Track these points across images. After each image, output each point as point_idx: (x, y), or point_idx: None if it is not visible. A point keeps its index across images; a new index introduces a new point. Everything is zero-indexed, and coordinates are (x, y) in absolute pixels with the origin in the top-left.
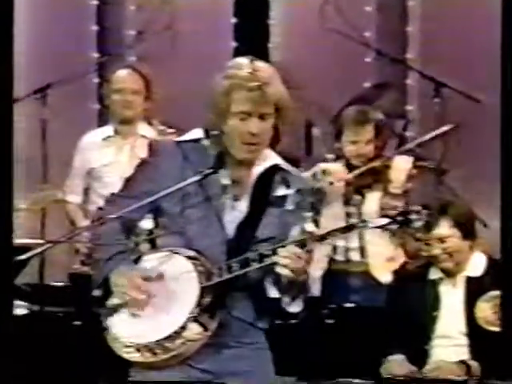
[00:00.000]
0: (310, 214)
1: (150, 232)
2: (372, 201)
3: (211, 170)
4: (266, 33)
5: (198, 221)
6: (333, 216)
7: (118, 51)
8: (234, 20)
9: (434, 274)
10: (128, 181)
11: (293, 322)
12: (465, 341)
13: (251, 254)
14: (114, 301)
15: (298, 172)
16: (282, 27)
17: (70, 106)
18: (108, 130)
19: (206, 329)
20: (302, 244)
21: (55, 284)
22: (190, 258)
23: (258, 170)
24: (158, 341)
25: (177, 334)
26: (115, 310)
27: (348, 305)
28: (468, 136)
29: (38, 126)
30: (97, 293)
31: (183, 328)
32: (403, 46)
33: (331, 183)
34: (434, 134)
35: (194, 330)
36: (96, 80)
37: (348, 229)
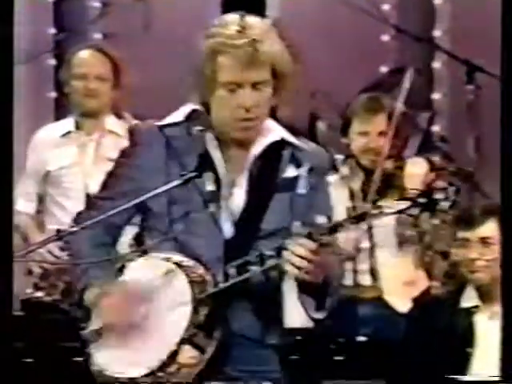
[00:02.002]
0: (327, 199)
1: (137, 238)
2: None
3: (194, 174)
4: (262, 5)
5: (188, 218)
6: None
7: (79, 27)
8: None
9: (468, 300)
10: (107, 179)
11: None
12: None
13: (251, 256)
14: (93, 324)
15: (310, 146)
16: None
17: (20, 93)
18: (68, 123)
19: (202, 351)
20: (309, 237)
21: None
22: (180, 265)
23: (257, 148)
24: (147, 374)
25: (169, 360)
26: (96, 334)
27: (360, 338)
28: None
29: None
30: (78, 313)
31: (175, 353)
32: (429, 22)
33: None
34: None
35: (189, 353)
36: (52, 62)
37: (360, 218)
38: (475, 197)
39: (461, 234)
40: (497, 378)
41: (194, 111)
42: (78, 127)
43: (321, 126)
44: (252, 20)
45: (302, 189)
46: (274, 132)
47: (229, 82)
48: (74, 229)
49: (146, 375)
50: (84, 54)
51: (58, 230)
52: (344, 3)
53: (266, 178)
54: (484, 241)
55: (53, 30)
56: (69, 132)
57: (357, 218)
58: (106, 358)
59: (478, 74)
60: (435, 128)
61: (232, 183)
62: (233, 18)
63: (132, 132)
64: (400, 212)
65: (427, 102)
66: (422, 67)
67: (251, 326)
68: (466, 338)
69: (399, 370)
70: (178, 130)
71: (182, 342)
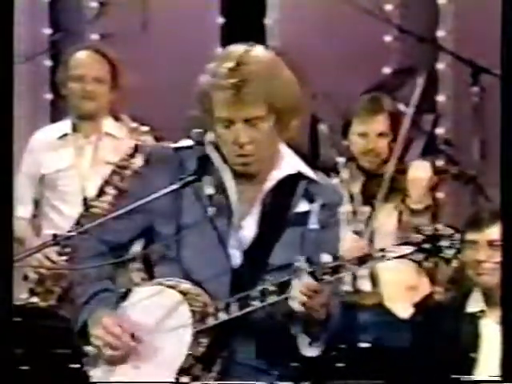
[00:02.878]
0: (336, 237)
1: (144, 258)
2: (386, 214)
3: (193, 177)
4: (262, 6)
5: (197, 245)
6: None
7: (76, 27)
8: None
9: (474, 305)
10: (120, 199)
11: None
12: None
13: (253, 290)
14: (91, 351)
15: (325, 180)
16: None
17: (16, 94)
18: (65, 126)
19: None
20: (312, 276)
21: None
22: (184, 293)
23: (271, 181)
24: None
25: None
26: (94, 361)
27: (363, 345)
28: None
29: None
30: (79, 342)
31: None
32: (433, 22)
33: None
34: None
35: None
36: (48, 63)
37: (363, 261)
38: (478, 200)
39: (469, 236)
40: (497, 378)
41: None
42: (75, 129)
43: (322, 128)
44: (254, 54)
45: (313, 224)
46: (290, 164)
47: (223, 119)
48: (71, 233)
49: None
50: (81, 56)
51: (55, 235)
52: (346, 3)
53: (278, 211)
54: (492, 243)
55: (49, 30)
56: (66, 134)
57: (360, 260)
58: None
59: (483, 76)
60: (439, 131)
61: (244, 214)
62: (234, 51)
63: (148, 154)
64: (403, 257)
65: (431, 103)
66: (425, 68)
67: (256, 357)
68: (471, 343)
69: (401, 376)
70: (192, 152)
71: (180, 372)
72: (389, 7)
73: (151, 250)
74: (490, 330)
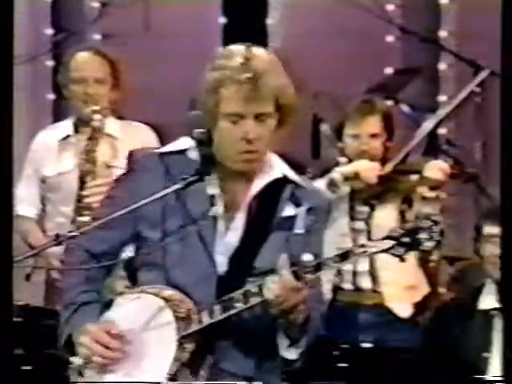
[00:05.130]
0: (320, 241)
1: (127, 265)
2: (385, 214)
3: (196, 177)
4: (263, 5)
5: (182, 250)
6: (338, 233)
7: (78, 27)
8: None
9: (486, 303)
10: (103, 205)
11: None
12: None
13: (235, 293)
14: (77, 360)
15: (311, 185)
16: None
17: (18, 95)
18: (67, 127)
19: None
20: (294, 275)
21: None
22: (167, 299)
23: (257, 185)
24: None
25: None
26: (80, 370)
27: (365, 345)
28: None
29: None
30: (62, 352)
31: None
32: (434, 22)
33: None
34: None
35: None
36: (50, 63)
37: (344, 256)
38: (480, 199)
39: (488, 230)
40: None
41: (197, 141)
42: (77, 130)
43: (324, 127)
44: (257, 51)
45: (299, 229)
46: (276, 168)
47: (232, 114)
48: (73, 234)
49: None
50: (82, 58)
51: (57, 235)
52: (348, 3)
53: (264, 215)
54: None
55: (51, 31)
56: (68, 136)
57: (341, 256)
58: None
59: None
60: (441, 131)
61: (230, 218)
62: (238, 49)
63: (130, 157)
64: (384, 251)
65: (433, 103)
66: (427, 68)
67: (241, 364)
68: (484, 341)
69: (405, 377)
70: (178, 158)
71: (168, 378)
72: (391, 7)
73: (137, 256)
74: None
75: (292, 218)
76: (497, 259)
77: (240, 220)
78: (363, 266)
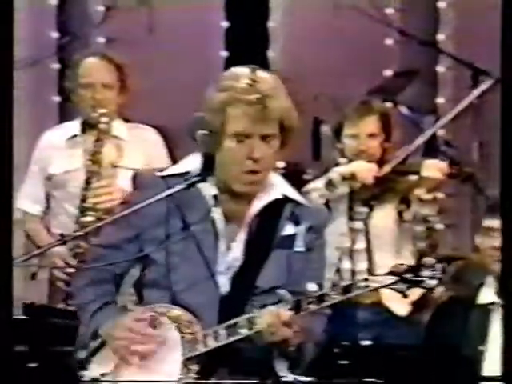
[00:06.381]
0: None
1: (135, 283)
2: (383, 214)
3: (199, 178)
4: (265, 9)
5: (185, 271)
6: (337, 233)
7: (83, 31)
8: None
9: (486, 297)
10: (109, 225)
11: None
12: None
13: (241, 318)
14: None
15: (310, 203)
16: (285, 2)
17: (24, 97)
18: (74, 127)
19: None
20: (296, 306)
21: None
22: (176, 320)
23: (258, 205)
24: None
25: None
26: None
27: (365, 342)
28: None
29: None
30: (82, 354)
31: None
32: (433, 25)
33: (360, 187)
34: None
35: None
36: (56, 66)
37: (347, 290)
38: (478, 199)
39: (486, 223)
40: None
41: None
42: (84, 131)
43: (324, 129)
44: (262, 74)
45: (299, 247)
46: (277, 188)
47: (238, 134)
48: (78, 233)
49: None
50: (90, 63)
51: (62, 235)
52: (348, 7)
53: (264, 234)
54: None
55: (56, 34)
56: (75, 136)
57: (344, 289)
58: None
59: (483, 78)
60: (439, 132)
61: (231, 238)
62: (243, 71)
63: (134, 179)
64: (386, 286)
65: (431, 105)
66: (426, 71)
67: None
68: (480, 335)
69: (403, 373)
70: (181, 180)
71: None
72: (390, 11)
73: (143, 275)
74: (499, 322)
75: (292, 237)
76: (494, 252)
77: (241, 239)
78: (362, 265)
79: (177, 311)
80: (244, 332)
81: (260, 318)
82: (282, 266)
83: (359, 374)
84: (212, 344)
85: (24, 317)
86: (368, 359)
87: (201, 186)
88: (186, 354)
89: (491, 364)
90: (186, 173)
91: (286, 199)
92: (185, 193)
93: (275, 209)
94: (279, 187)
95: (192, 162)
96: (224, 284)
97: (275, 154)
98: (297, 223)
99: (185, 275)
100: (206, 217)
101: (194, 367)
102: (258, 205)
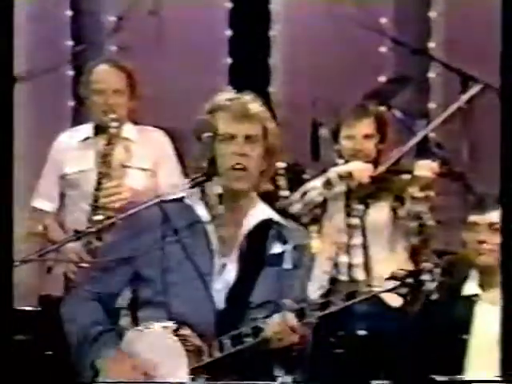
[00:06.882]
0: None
1: (131, 305)
2: (379, 211)
3: (203, 178)
4: (267, 19)
5: (182, 289)
6: (335, 229)
7: (96, 40)
8: (229, 4)
9: (470, 289)
10: (104, 249)
11: None
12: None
13: (246, 328)
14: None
15: (294, 225)
16: (285, 12)
17: (40, 102)
18: (87, 129)
19: None
20: (300, 313)
21: (24, 309)
22: (177, 334)
23: (247, 226)
24: None
25: None
26: None
27: (360, 332)
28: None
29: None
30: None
31: None
32: (424, 34)
33: (356, 186)
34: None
35: None
36: (71, 72)
37: (350, 296)
38: (467, 198)
39: (471, 218)
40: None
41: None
42: (96, 134)
43: (323, 131)
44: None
45: (287, 264)
46: (263, 212)
47: (225, 133)
48: (91, 230)
49: None
50: (102, 70)
51: (76, 231)
52: (345, 17)
53: (255, 253)
54: (492, 226)
55: (71, 43)
56: (88, 138)
57: (348, 296)
58: None
59: (471, 84)
60: (431, 135)
61: (225, 258)
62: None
63: (130, 206)
64: (388, 291)
65: (423, 110)
66: (418, 77)
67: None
68: (464, 324)
69: (396, 361)
70: (176, 205)
71: None
72: (384, 20)
73: (137, 296)
74: (484, 312)
75: (280, 255)
76: (478, 245)
77: (234, 258)
78: (358, 259)
79: (175, 326)
80: (249, 340)
81: (267, 325)
82: (273, 282)
83: (355, 361)
84: (217, 354)
85: (41, 308)
86: (363, 348)
87: (196, 208)
88: (193, 364)
89: (475, 352)
90: (182, 198)
91: (271, 222)
92: (179, 213)
93: (263, 230)
94: (264, 211)
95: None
96: (220, 300)
97: (260, 159)
98: (284, 242)
99: (181, 293)
100: (200, 236)
101: (201, 380)
102: (247, 226)
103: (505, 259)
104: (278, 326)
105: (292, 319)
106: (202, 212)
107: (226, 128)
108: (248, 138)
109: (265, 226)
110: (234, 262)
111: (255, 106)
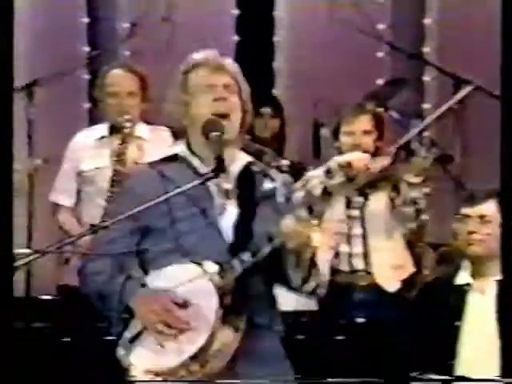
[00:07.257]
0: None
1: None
2: (377, 202)
3: (212, 174)
4: (271, 25)
5: (193, 233)
6: (335, 219)
7: (110, 45)
8: (236, 11)
9: (462, 278)
10: (108, 212)
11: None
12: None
13: (259, 239)
14: (135, 330)
15: (272, 169)
16: (289, 19)
17: (58, 104)
18: (103, 129)
19: (236, 329)
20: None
21: (43, 297)
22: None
23: (235, 168)
24: (191, 357)
25: (207, 344)
26: (135, 339)
27: (360, 320)
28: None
29: (23, 127)
30: (117, 329)
31: (213, 335)
32: (419, 40)
33: (353, 177)
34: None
35: (225, 333)
36: (87, 76)
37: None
38: (459, 193)
39: (462, 211)
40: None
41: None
42: (111, 133)
43: (324, 131)
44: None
45: (280, 197)
46: (245, 157)
47: (205, 85)
48: (106, 224)
49: (191, 358)
50: (116, 74)
51: (92, 225)
52: (344, 23)
53: (248, 192)
54: (482, 218)
55: (87, 48)
56: (103, 137)
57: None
58: (145, 361)
59: (464, 86)
60: (425, 133)
61: (223, 197)
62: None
63: (127, 174)
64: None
65: (418, 110)
66: (413, 80)
67: (271, 317)
68: (456, 311)
69: (395, 348)
70: (170, 163)
71: (217, 323)
72: (382, 27)
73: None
74: (475, 300)
75: (272, 190)
76: (469, 236)
77: (232, 200)
78: (357, 248)
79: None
80: (267, 250)
81: (283, 225)
82: (270, 214)
83: (355, 347)
84: (239, 268)
85: (58, 297)
86: (363, 334)
87: (194, 162)
88: (218, 284)
89: (467, 338)
90: (174, 155)
91: (255, 164)
92: (175, 173)
93: (250, 172)
94: (245, 157)
95: (177, 147)
96: (228, 234)
97: (238, 108)
98: (272, 180)
99: (193, 236)
100: (199, 183)
101: (228, 299)
102: (234, 168)
103: (505, 259)
104: (291, 225)
105: (306, 215)
106: (196, 163)
107: (206, 80)
108: (227, 86)
109: (250, 169)
110: (232, 203)
111: (229, 61)
